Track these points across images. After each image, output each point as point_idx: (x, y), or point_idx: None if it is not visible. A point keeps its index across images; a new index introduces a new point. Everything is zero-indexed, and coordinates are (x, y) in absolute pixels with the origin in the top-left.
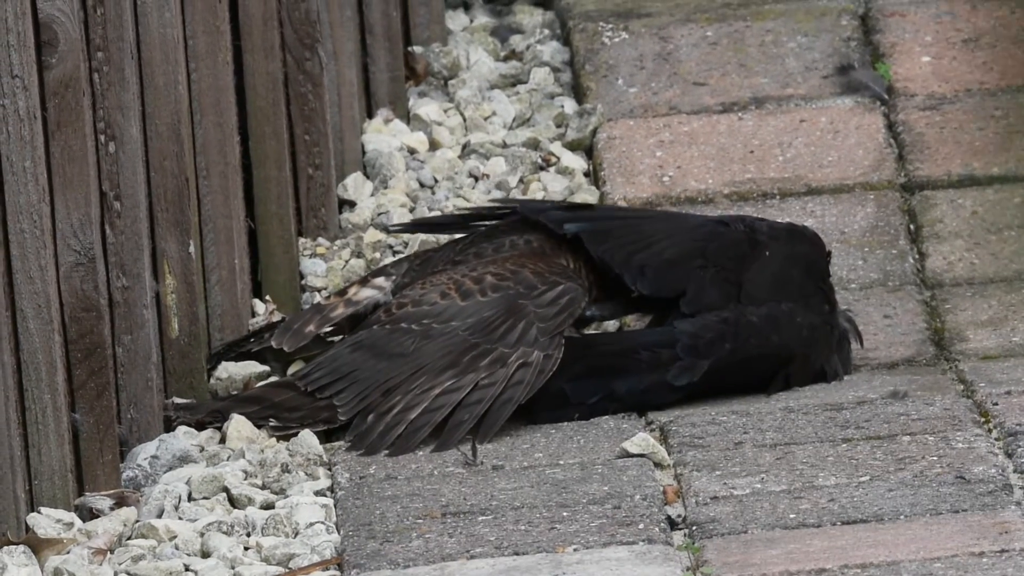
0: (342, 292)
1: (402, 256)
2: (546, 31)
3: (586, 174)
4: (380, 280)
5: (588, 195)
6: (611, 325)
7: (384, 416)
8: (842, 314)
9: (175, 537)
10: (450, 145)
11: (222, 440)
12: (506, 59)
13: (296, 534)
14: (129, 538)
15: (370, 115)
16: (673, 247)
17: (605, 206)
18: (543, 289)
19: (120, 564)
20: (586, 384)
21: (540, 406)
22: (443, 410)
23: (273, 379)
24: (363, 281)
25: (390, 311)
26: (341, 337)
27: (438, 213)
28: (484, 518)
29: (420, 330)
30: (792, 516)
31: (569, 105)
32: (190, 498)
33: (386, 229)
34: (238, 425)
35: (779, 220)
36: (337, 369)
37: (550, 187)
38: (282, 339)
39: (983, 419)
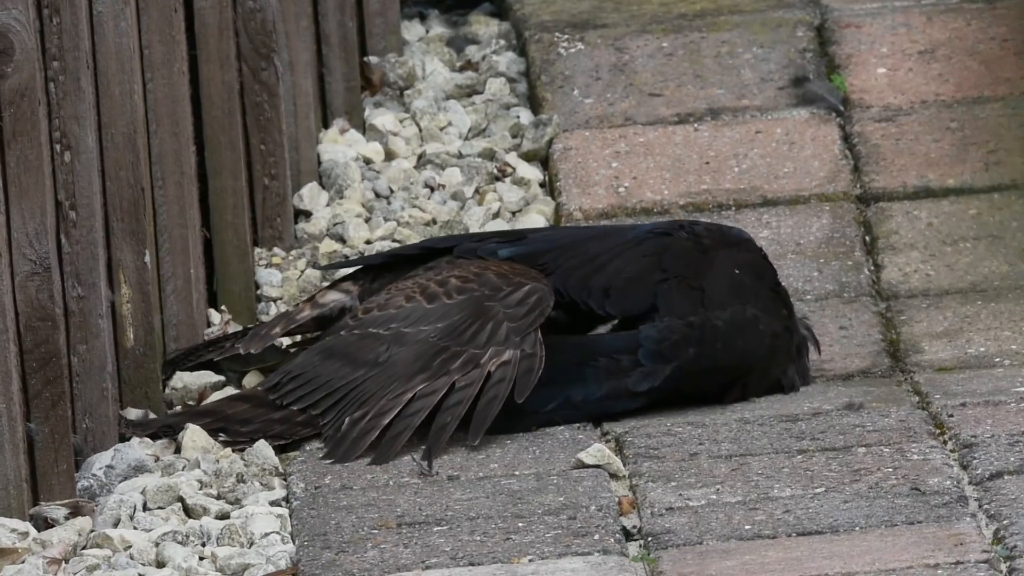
0: (310, 299)
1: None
2: (502, 41)
3: (542, 185)
4: (347, 284)
5: (544, 206)
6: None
7: (358, 423)
8: (800, 321)
9: (130, 547)
10: (406, 155)
11: (177, 450)
12: (462, 69)
13: (251, 544)
14: (84, 548)
15: (326, 125)
16: (627, 264)
17: (536, 229)
18: (509, 290)
19: (75, 574)
20: (542, 392)
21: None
22: (420, 414)
23: (229, 392)
24: (332, 285)
25: (356, 316)
26: (301, 340)
27: (377, 251)
28: (439, 528)
29: (390, 335)
30: (747, 527)
31: (525, 116)
32: (145, 508)
33: (317, 266)
34: (193, 435)
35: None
36: (310, 380)
37: (506, 197)
38: (249, 344)
39: (938, 431)
